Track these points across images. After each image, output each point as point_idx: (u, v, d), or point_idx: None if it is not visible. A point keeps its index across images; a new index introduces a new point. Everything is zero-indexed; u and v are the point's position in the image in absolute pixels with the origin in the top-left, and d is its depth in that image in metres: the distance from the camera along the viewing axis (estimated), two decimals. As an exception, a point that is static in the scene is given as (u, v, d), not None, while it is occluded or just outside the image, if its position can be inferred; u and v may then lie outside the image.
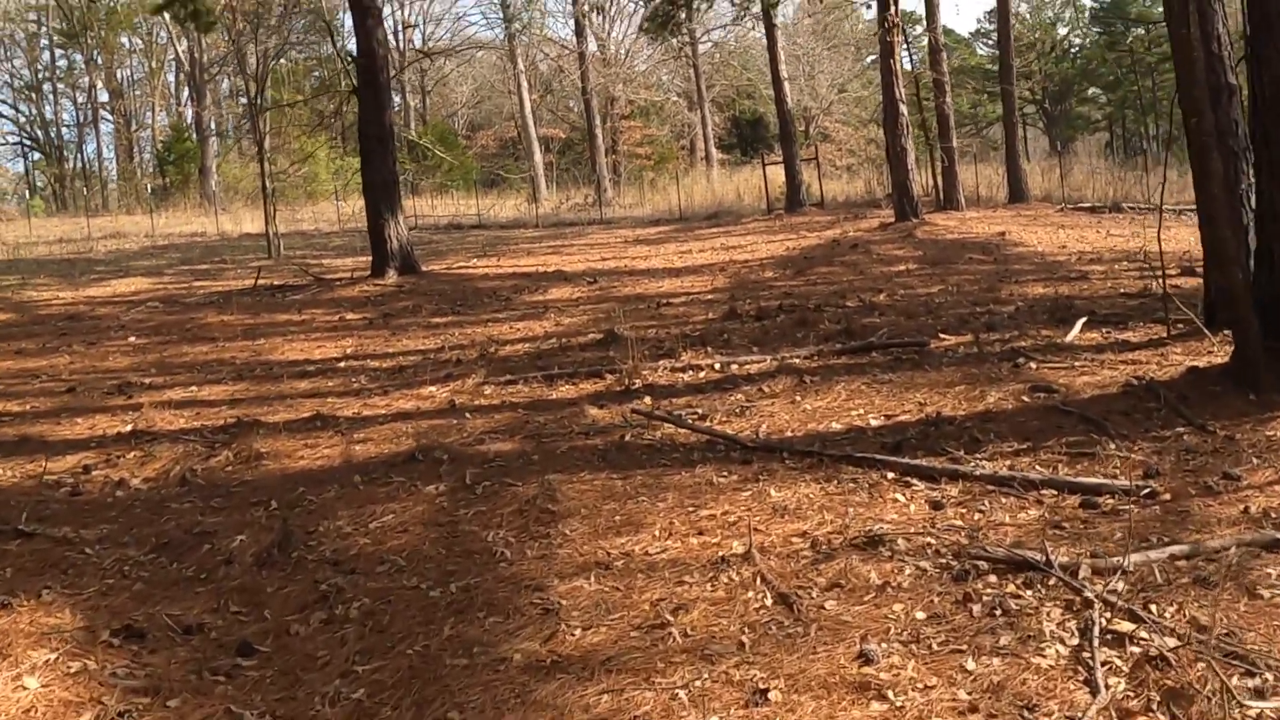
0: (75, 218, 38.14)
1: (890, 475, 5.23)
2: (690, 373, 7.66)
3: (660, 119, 50.61)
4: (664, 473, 5.43)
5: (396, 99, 57.60)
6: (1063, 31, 56.92)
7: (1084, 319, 8.37)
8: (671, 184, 35.86)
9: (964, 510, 4.77)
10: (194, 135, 43.10)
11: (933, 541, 4.39)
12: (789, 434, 6.04)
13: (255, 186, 34.30)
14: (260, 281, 16.87)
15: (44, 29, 49.44)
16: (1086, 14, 55.96)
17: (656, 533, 4.64)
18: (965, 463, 5.36)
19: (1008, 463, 5.35)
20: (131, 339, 11.89)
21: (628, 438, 6.09)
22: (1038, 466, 5.26)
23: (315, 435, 6.60)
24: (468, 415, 6.94)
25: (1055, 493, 4.89)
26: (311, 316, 12.92)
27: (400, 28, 49.19)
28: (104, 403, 8.46)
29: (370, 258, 16.38)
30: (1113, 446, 5.44)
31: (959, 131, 28.06)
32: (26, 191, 47.79)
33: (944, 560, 4.18)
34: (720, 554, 4.36)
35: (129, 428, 7.32)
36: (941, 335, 8.35)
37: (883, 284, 12.25)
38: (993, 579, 3.97)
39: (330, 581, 4.29)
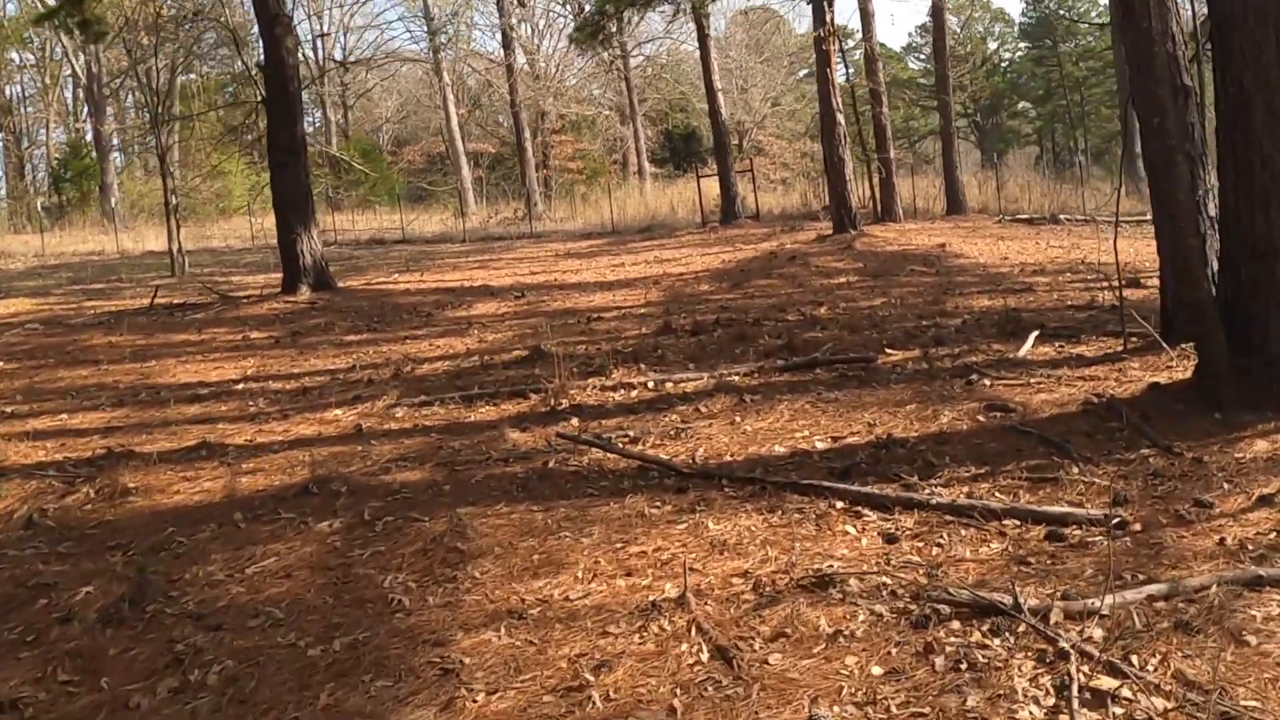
0: (-27, 237, 36.25)
1: (839, 504, 4.69)
2: (622, 392, 7.07)
3: (592, 133, 50.15)
4: (590, 504, 4.82)
5: (317, 113, 56.26)
6: (993, 46, 57.90)
7: (1036, 333, 7.98)
8: (604, 198, 35.33)
9: (921, 544, 4.25)
10: (93, 152, 41.37)
11: (888, 581, 3.86)
12: (728, 458, 5.48)
13: (160, 203, 32.93)
14: (159, 300, 15.86)
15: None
16: (1016, 28, 57.02)
17: (579, 574, 4.03)
18: (920, 490, 4.85)
19: (965, 489, 4.86)
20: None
21: (551, 464, 5.47)
22: (998, 494, 4.78)
23: (197, 466, 5.86)
24: (374, 441, 6.26)
25: (1018, 523, 4.41)
26: (212, 336, 12.05)
27: (317, 39, 48.06)
28: (-41, 433, 7.56)
29: (281, 274, 15.51)
30: (1076, 471, 4.98)
31: (893, 145, 28.14)
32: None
33: (901, 603, 3.65)
34: (651, 598, 3.77)
35: (-22, 463, 6.48)
36: (888, 350, 7.89)
37: (823, 297, 11.81)
38: (956, 625, 3.46)
39: (189, 640, 3.59)
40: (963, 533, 4.33)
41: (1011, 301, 10.27)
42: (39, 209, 40.37)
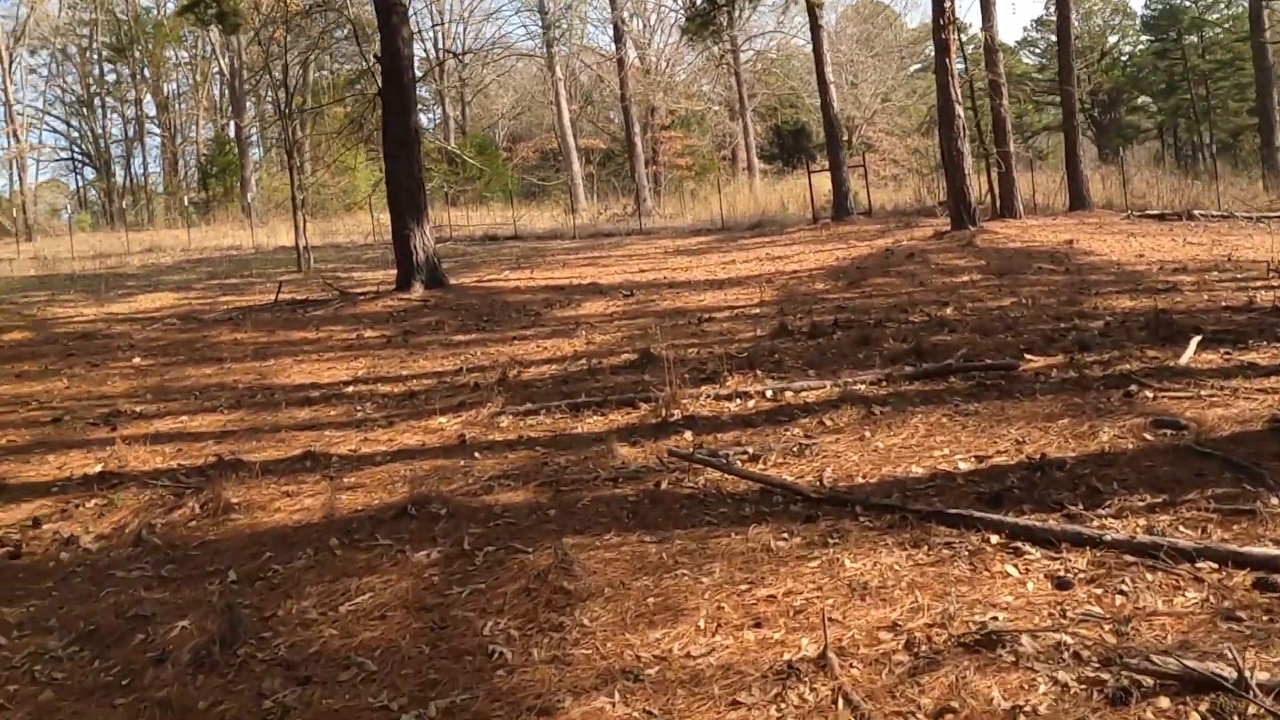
0: (120, 232, 37.92)
1: (994, 539, 4.14)
2: (738, 401, 6.61)
3: (701, 129, 49.66)
4: (709, 534, 4.39)
5: (436, 109, 57.26)
6: (1113, 39, 55.32)
7: (1197, 338, 7.20)
8: (713, 194, 34.80)
9: (1099, 591, 3.68)
10: (235, 147, 42.81)
11: (1068, 640, 3.31)
12: (860, 480, 4.97)
13: (305, 199, 33.83)
14: (282, 297, 16.09)
15: (94, 43, 49.60)
16: (1138, 21, 54.36)
17: (701, 623, 3.59)
18: (1087, 521, 4.26)
19: (1142, 522, 4.25)
20: (136, 360, 11.07)
21: (664, 485, 5.05)
22: (1183, 528, 4.16)
23: (300, 479, 5.64)
24: (477, 455, 5.94)
25: (1216, 567, 3.79)
26: (328, 334, 12.04)
27: (435, 31, 48.72)
28: (85, 435, 7.58)
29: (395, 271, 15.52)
30: (1275, 501, 4.32)
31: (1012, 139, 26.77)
32: (68, 206, 47.78)
33: (1089, 670, 3.11)
34: (786, 657, 3.31)
35: (99, 468, 6.42)
36: (1028, 356, 7.22)
37: (947, 296, 11.11)
38: (1165, 704, 2.90)
39: (277, 696, 3.28)
40: (1149, 578, 3.74)
41: (1156, 302, 9.41)
42: (185, 204, 42.08)
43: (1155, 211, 22.07)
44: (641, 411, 6.62)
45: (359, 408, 7.76)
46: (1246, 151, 46.71)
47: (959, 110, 18.01)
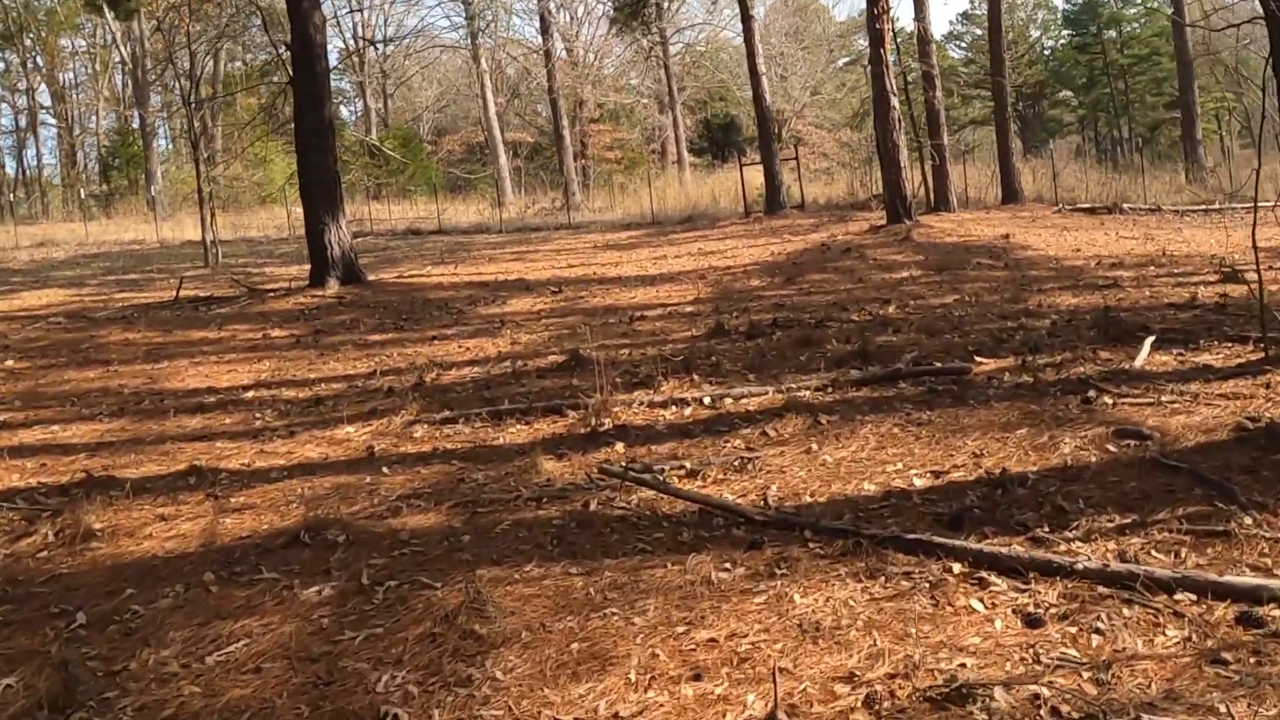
0: (9, 226, 36.03)
1: (956, 568, 3.72)
2: (674, 409, 6.12)
3: (630, 122, 49.23)
4: (643, 564, 3.88)
5: (358, 102, 55.74)
6: (1035, 33, 56.32)
7: (1150, 339, 6.91)
8: (643, 187, 34.33)
9: (1074, 630, 3.27)
10: (139, 139, 41.03)
11: (1045, 692, 2.89)
12: (809, 499, 4.51)
13: (213, 191, 32.48)
14: (184, 293, 15.17)
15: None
16: (1059, 15, 55.40)
17: (632, 674, 3.09)
18: (1055, 546, 3.87)
19: (1113, 546, 3.87)
20: (9, 362, 10.17)
21: (594, 506, 4.53)
22: (1155, 552, 3.79)
23: (180, 499, 4.99)
24: (386, 470, 5.35)
25: (1195, 598, 3.41)
26: (231, 334, 11.26)
27: (357, 23, 47.45)
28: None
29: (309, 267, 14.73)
30: (1249, 521, 3.97)
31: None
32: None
33: (1073, 731, 2.68)
34: (730, 716, 2.83)
35: (-56, 486, 5.67)
36: (979, 359, 6.86)
37: (888, 294, 10.78)
38: (1161, 774, 2.48)
39: (114, 781, 2.69)
40: (1125, 612, 3.35)
41: (1099, 299, 9.18)
42: (82, 196, 40.16)
43: (1086, 205, 22.21)
44: (570, 420, 6.09)
45: (258, 415, 7.09)
46: (1164, 145, 48.01)
47: (894, 102, 17.80)
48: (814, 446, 5.21)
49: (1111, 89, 51.79)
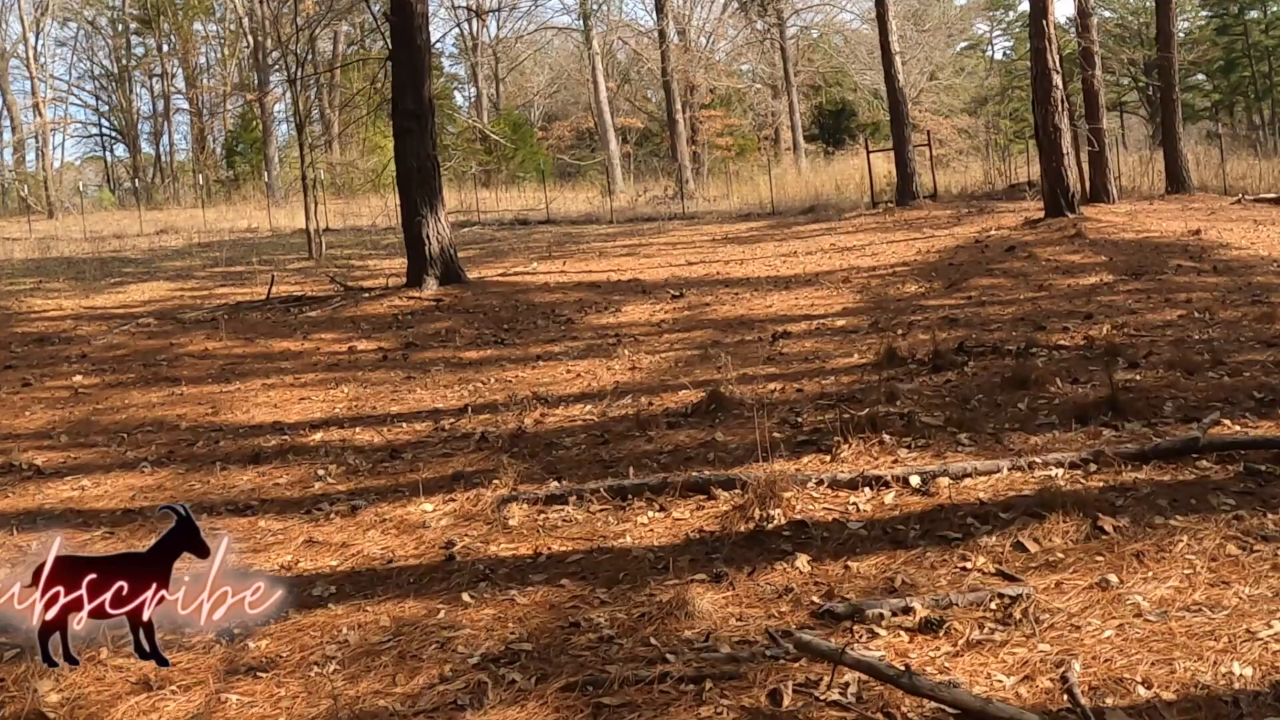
0: (149, 210, 36.16)
1: None
2: (867, 493, 4.38)
3: (742, 108, 47.28)
4: None
5: (470, 88, 55.06)
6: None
7: None
8: (758, 175, 32.45)
9: None
10: (260, 124, 40.87)
11: None
12: (1143, 691, 2.75)
13: (322, 178, 31.93)
14: (280, 290, 14.04)
15: (123, 15, 47.80)
16: (1190, -3, 51.41)
17: None
18: None
19: None
20: (78, 378, 9.03)
21: (786, 699, 2.84)
22: None
23: (181, 647, 3.48)
24: (468, 596, 3.75)
25: None
26: (315, 345, 9.94)
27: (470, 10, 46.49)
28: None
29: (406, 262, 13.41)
30: None
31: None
32: (82, 185, 45.97)
33: None
34: None
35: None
36: (1290, 419, 4.93)
37: (1084, 305, 8.80)
38: None
39: None
40: None
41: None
42: (200, 182, 40.20)
43: (1270, 195, 19.48)
44: (721, 505, 4.42)
45: (321, 471, 5.62)
46: None
47: (1057, 80, 15.52)
48: (1111, 577, 3.42)
49: (1253, 71, 47.80)
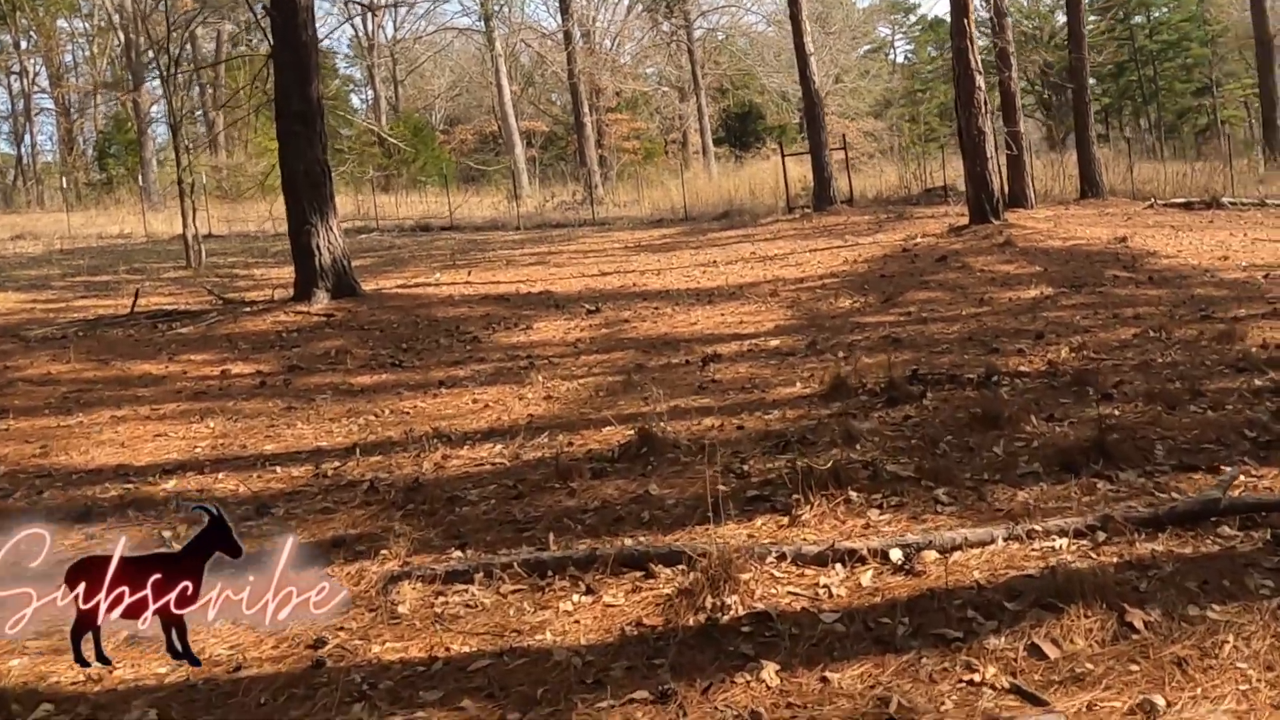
0: (6, 214, 33.65)
1: None
2: (840, 569, 3.59)
3: (648, 111, 46.72)
4: None
5: (368, 91, 53.20)
6: (1061, 19, 53.74)
7: None
8: (669, 179, 31.78)
9: None
10: (134, 125, 38.59)
11: None
12: None
13: (206, 183, 30.11)
14: (150, 303, 12.75)
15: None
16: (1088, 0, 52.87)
17: None
18: None
19: None
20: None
21: None
22: None
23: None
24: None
25: None
26: (183, 368, 8.80)
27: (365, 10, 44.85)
28: None
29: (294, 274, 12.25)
30: None
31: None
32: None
33: None
34: None
35: None
36: (1307, 466, 4.32)
37: (1030, 322, 8.25)
38: None
39: None
40: None
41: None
42: (63, 185, 37.70)
43: (1179, 200, 19.56)
44: (663, 587, 3.59)
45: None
46: (1188, 132, 46.17)
47: (980, 81, 15.17)
48: (1156, 699, 2.69)
49: (1139, 76, 49.45)
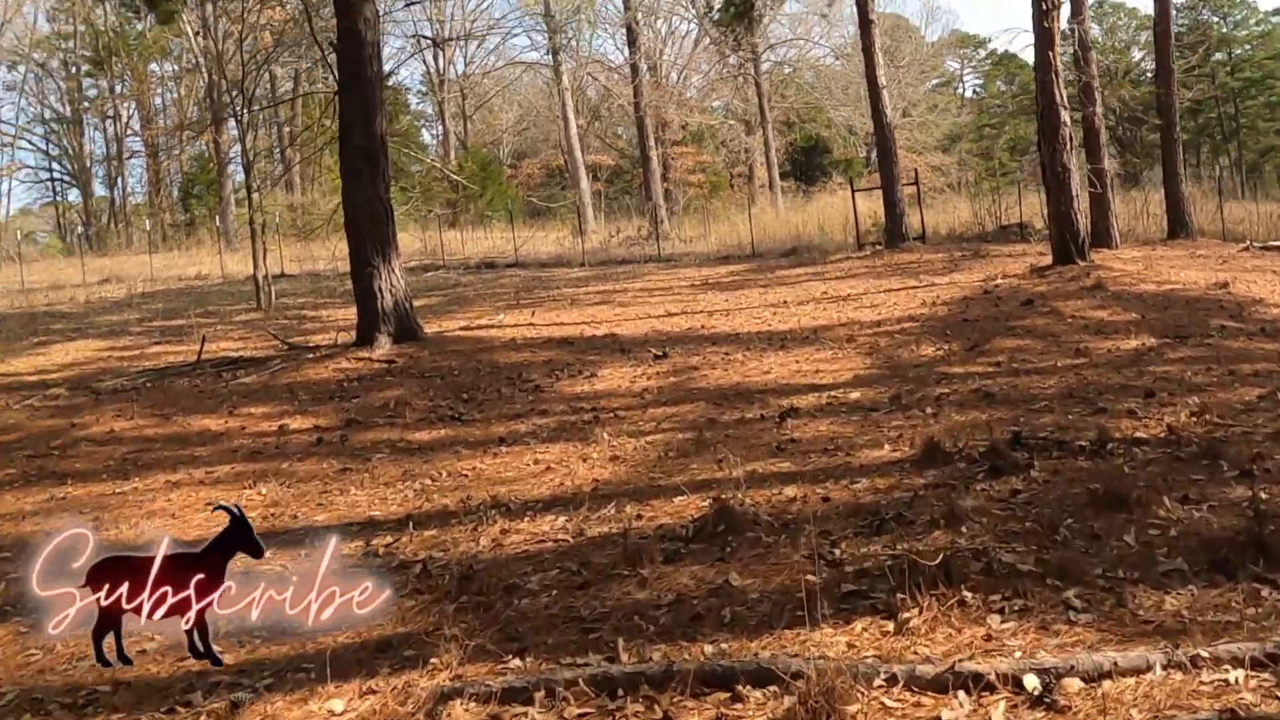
0: (98, 258, 34.35)
1: None
2: (964, 699, 3.05)
3: (714, 145, 46.44)
4: None
5: (438, 126, 53.80)
6: (1137, 55, 52.41)
7: None
8: (735, 214, 31.31)
9: None
10: (215, 165, 39.36)
11: None
12: None
13: (279, 222, 30.46)
14: (218, 349, 12.63)
15: (74, 57, 46.19)
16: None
17: None
18: None
19: None
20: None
21: None
22: None
23: None
24: None
25: None
26: (241, 423, 8.53)
27: (437, 48, 45.42)
28: None
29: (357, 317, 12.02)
30: None
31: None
32: (19, 233, 43.88)
33: None
34: None
35: None
36: None
37: (1138, 379, 7.57)
38: None
39: None
40: None
41: None
42: (148, 227, 38.46)
43: (1278, 243, 18.53)
44: (753, 715, 3.08)
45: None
46: (1269, 171, 44.71)
47: (1065, 116, 14.47)
48: None
49: (1219, 113, 47.95)
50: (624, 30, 38.64)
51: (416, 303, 12.69)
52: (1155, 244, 19.52)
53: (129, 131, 47.32)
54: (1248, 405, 6.53)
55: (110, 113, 47.22)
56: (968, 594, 3.69)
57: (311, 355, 11.51)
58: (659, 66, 44.02)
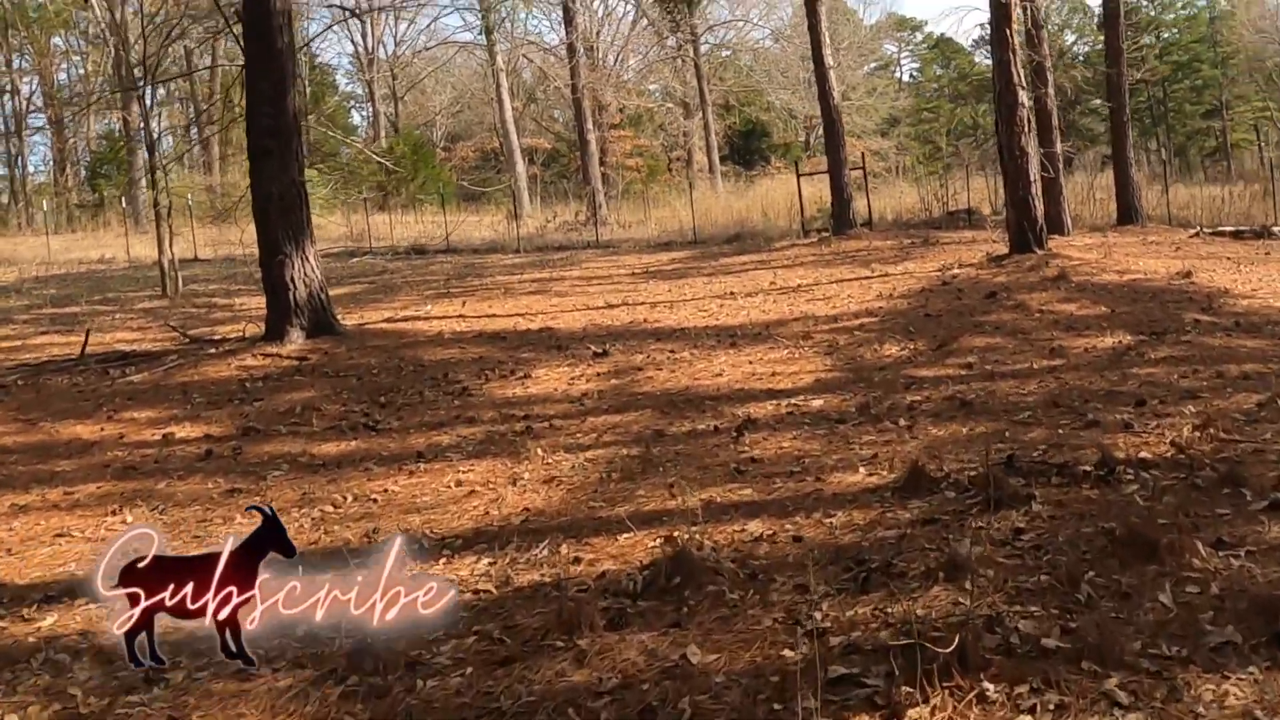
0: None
1: None
2: None
3: (652, 128, 45.54)
4: None
5: (367, 106, 52.04)
6: (1070, 38, 52.70)
7: None
8: (675, 199, 30.57)
9: None
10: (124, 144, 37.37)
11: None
12: None
13: (195, 203, 28.89)
14: (106, 342, 11.48)
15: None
16: (1095, 20, 51.69)
17: None
18: None
19: None
20: None
21: None
22: None
23: None
24: None
25: None
26: (120, 430, 7.48)
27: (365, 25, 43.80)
28: None
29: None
30: None
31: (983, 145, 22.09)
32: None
33: None
34: None
35: None
36: None
37: (1124, 383, 6.92)
38: None
39: None
40: None
41: None
42: (51, 207, 36.40)
43: (1229, 229, 18.25)
44: None
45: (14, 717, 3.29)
46: (1193, 156, 45.45)
47: (1023, 97, 13.85)
48: None
49: (1149, 97, 48.44)
50: (560, 10, 37.45)
51: (338, 291, 11.71)
52: (1106, 230, 19.17)
53: (31, 108, 44.94)
54: (1249, 415, 5.88)
55: (9, 88, 44.70)
56: (989, 685, 2.92)
57: (214, 350, 10.44)
58: (596, 48, 42.88)
